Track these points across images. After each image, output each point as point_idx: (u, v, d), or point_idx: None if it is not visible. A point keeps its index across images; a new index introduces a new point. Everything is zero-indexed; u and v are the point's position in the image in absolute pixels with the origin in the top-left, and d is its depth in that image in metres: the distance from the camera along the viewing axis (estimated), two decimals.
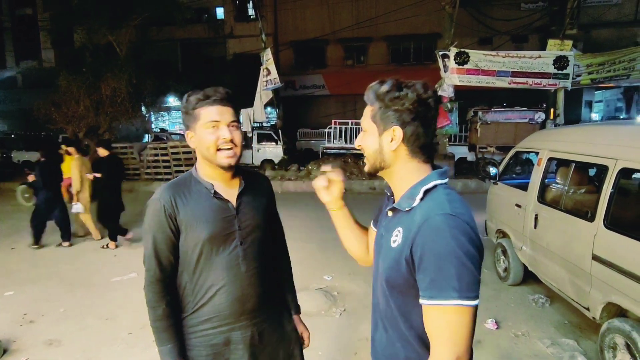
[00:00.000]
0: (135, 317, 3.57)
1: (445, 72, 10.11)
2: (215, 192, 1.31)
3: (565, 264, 3.09)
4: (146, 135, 17.46)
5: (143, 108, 14.55)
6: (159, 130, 18.33)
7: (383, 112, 1.01)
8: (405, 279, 0.96)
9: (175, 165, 11.47)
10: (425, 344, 0.98)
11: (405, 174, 1.03)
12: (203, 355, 1.33)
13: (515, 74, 9.99)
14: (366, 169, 1.09)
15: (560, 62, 9.86)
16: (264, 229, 1.42)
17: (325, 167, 1.27)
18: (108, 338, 3.30)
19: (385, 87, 1.00)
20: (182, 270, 1.33)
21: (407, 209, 0.99)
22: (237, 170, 1.37)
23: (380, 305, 1.08)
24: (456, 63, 9.91)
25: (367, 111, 1.05)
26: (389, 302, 1.03)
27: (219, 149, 1.26)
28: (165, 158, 11.57)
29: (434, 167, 1.05)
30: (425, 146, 1.02)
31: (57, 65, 16.98)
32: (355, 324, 3.48)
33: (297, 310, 1.64)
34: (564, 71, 9.95)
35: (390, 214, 1.07)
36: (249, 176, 1.43)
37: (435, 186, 0.99)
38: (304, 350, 1.59)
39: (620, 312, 2.64)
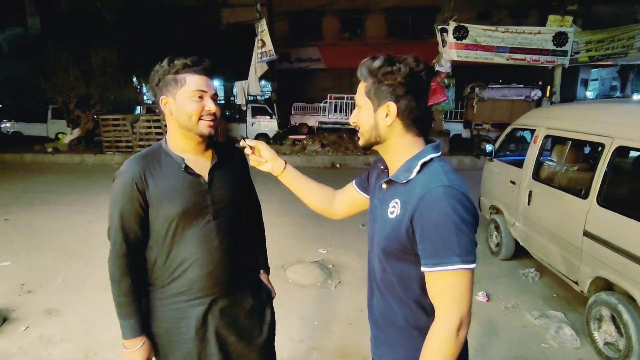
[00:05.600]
0: None
1: (443, 47, 9.96)
2: (187, 167, 1.28)
3: (556, 239, 3.16)
4: (138, 107, 17.14)
5: (134, 79, 14.22)
6: (151, 102, 17.99)
7: (376, 87, 1.02)
8: (403, 248, 1.01)
9: None
10: (421, 305, 1.06)
11: (401, 148, 1.06)
12: (174, 327, 1.32)
13: (513, 50, 9.88)
14: (360, 143, 1.12)
15: (560, 38, 9.75)
16: (238, 203, 1.40)
17: (242, 143, 1.36)
18: (106, 308, 3.32)
19: (377, 63, 1.02)
20: (152, 244, 1.29)
21: (404, 181, 1.03)
22: (210, 143, 1.35)
23: (377, 272, 1.14)
24: (455, 38, 9.75)
25: (361, 87, 1.07)
26: (385, 270, 1.09)
27: (200, 118, 1.24)
28: (158, 130, 11.43)
29: (427, 141, 1.09)
30: (418, 119, 1.05)
31: (43, 32, 16.38)
32: (350, 295, 3.56)
33: (267, 270, 1.65)
34: (563, 48, 9.86)
35: (385, 186, 1.11)
36: (222, 150, 1.39)
37: (431, 159, 1.03)
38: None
39: (607, 286, 2.74)
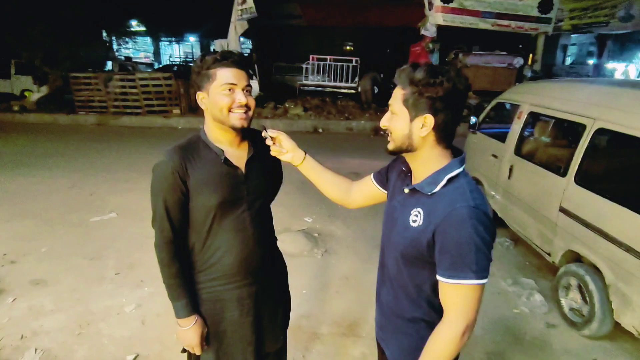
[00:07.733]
0: (120, 257, 3.61)
1: (429, 10, 9.76)
2: (226, 159, 1.32)
3: (533, 213, 3.33)
4: (108, 63, 16.24)
5: (104, 34, 13.40)
6: (123, 59, 17.06)
7: (416, 98, 1.03)
8: (421, 256, 1.08)
9: (145, 99, 10.92)
10: (431, 304, 1.14)
11: (429, 159, 1.09)
12: (212, 308, 1.42)
13: (499, 16, 9.79)
14: (390, 148, 1.13)
15: (545, 5, 9.69)
16: (270, 192, 1.50)
17: (264, 133, 1.38)
18: (95, 278, 3.36)
19: (420, 73, 1.02)
20: (190, 231, 1.37)
21: (429, 193, 1.07)
22: (245, 132, 1.37)
23: (390, 269, 1.21)
24: (441, 1, 9.55)
25: (398, 94, 1.06)
26: (401, 270, 1.16)
27: (231, 110, 1.27)
28: (134, 91, 10.95)
29: (454, 153, 1.12)
30: (451, 133, 1.08)
31: None
32: (336, 264, 3.70)
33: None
34: (548, 15, 9.83)
35: (407, 191, 1.15)
36: (257, 139, 1.43)
37: (457, 175, 1.07)
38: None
39: (576, 258, 2.95)
